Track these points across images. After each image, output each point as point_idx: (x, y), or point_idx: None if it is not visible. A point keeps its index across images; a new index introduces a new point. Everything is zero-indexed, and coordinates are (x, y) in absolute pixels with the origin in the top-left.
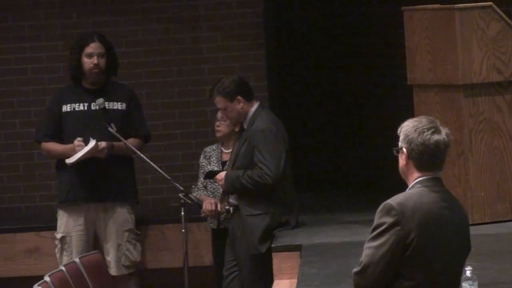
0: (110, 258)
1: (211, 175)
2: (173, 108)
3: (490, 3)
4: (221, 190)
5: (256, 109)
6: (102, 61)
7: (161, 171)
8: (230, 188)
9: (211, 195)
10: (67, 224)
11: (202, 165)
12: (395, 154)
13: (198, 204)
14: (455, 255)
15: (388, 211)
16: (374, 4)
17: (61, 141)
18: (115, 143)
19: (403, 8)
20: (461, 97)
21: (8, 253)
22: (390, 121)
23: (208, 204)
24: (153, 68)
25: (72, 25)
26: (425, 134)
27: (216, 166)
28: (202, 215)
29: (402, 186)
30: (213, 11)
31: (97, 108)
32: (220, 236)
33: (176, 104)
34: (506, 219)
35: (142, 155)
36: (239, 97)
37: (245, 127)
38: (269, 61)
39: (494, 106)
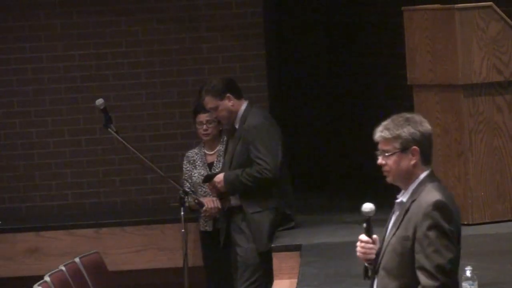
0: None
1: (208, 178)
2: (173, 108)
3: (490, 3)
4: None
5: (246, 108)
6: None
7: (159, 171)
8: (230, 189)
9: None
10: None
11: (187, 170)
12: (386, 159)
13: (199, 204)
14: None
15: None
16: (374, 4)
17: None
18: None
19: (403, 8)
20: (461, 97)
21: (8, 253)
22: None
23: (210, 202)
24: (153, 68)
25: (72, 25)
26: (424, 124)
27: (203, 169)
28: (207, 214)
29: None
30: (213, 11)
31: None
32: (213, 239)
33: (176, 104)
34: (506, 219)
35: (141, 156)
36: (228, 95)
37: (237, 126)
38: (269, 61)
39: (494, 106)
